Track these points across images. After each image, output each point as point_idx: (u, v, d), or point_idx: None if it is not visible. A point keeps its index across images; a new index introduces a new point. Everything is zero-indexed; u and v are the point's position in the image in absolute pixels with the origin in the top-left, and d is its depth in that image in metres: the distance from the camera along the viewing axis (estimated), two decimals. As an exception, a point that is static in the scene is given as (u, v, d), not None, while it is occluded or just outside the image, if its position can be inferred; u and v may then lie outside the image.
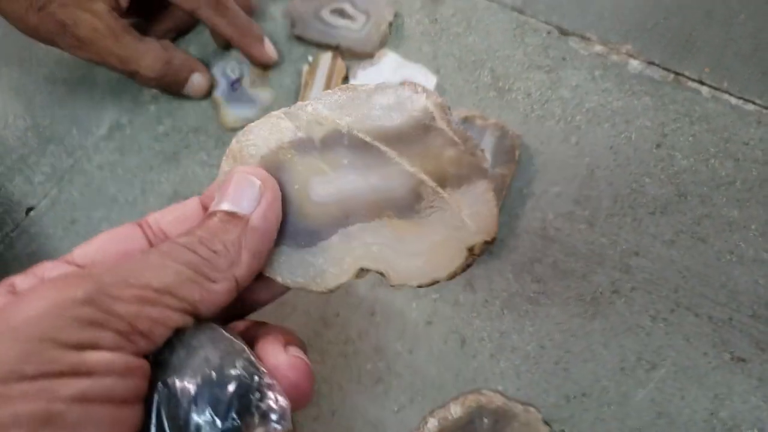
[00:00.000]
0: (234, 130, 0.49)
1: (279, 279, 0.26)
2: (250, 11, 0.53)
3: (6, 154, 0.49)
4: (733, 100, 0.48)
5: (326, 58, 0.50)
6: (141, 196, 0.48)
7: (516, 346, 0.41)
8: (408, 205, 0.25)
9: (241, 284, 0.23)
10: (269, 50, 0.51)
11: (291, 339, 0.24)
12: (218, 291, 0.22)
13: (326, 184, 0.25)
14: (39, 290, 0.20)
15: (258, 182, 0.24)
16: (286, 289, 0.27)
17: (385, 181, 0.25)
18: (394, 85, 0.26)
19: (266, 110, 0.49)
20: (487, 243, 0.25)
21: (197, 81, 0.49)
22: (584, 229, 0.44)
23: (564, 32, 0.51)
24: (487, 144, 0.45)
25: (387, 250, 0.25)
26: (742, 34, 0.50)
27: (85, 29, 0.44)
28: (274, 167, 0.26)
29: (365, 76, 0.49)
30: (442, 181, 0.25)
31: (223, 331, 0.22)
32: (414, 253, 0.25)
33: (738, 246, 0.43)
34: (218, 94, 0.50)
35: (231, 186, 0.24)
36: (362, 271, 0.26)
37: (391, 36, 0.52)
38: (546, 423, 0.38)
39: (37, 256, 0.46)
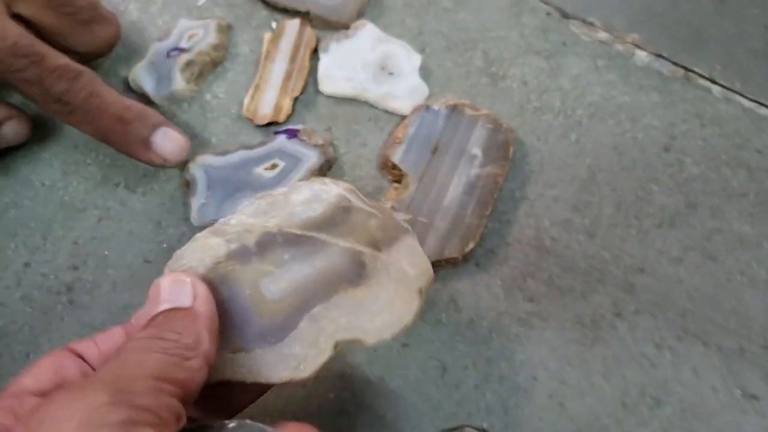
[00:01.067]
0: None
1: (263, 380, 0.26)
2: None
3: None
4: (746, 103, 0.43)
5: (293, 25, 0.43)
6: (61, 180, 0.40)
7: (504, 375, 0.35)
8: (356, 274, 0.28)
9: (210, 360, 0.24)
10: (164, 150, 0.37)
11: None
12: (196, 367, 0.23)
13: (277, 281, 0.27)
14: (63, 403, 0.20)
15: (187, 279, 0.25)
16: (268, 387, 0.28)
17: (328, 261, 0.28)
18: (305, 183, 0.29)
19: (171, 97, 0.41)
20: (430, 282, 0.29)
21: (11, 129, 0.39)
22: (584, 241, 0.39)
23: (565, 15, 0.45)
24: (478, 138, 0.39)
25: (353, 317, 0.27)
26: (754, 29, 0.46)
27: None
28: (218, 281, 0.27)
29: (339, 48, 0.42)
30: (377, 246, 0.28)
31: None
32: (377, 311, 0.27)
33: (750, 266, 0.39)
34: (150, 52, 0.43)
35: (162, 291, 0.25)
36: (338, 344, 0.27)
37: (371, 5, 0.45)
38: (539, 469, 0.33)
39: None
